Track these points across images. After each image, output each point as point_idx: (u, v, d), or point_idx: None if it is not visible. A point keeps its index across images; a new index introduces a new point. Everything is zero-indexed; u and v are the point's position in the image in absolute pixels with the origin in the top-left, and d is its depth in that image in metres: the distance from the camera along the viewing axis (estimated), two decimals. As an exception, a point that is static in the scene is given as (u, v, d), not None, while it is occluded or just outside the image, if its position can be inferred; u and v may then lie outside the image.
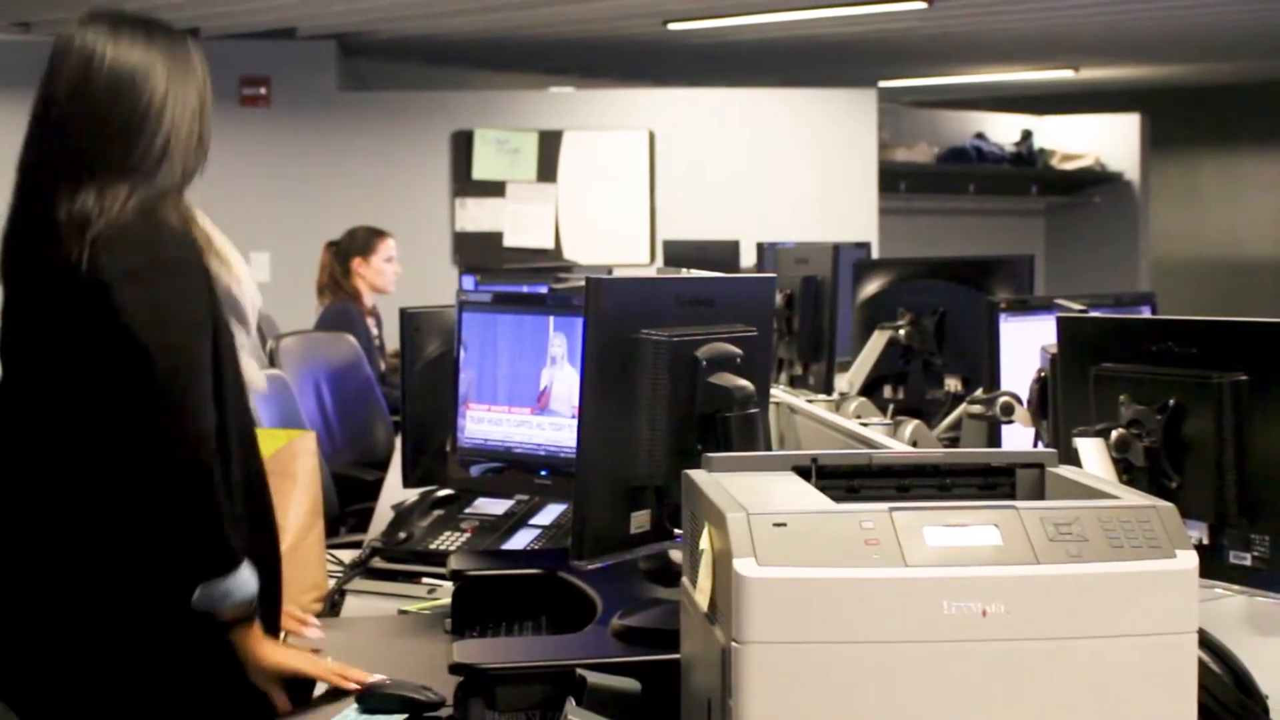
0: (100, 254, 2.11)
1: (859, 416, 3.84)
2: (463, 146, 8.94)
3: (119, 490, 2.11)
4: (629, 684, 1.75)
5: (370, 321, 6.26)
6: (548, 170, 8.95)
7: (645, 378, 1.97)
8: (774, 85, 9.64)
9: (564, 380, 2.63)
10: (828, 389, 4.25)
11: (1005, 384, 3.06)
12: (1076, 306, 3.12)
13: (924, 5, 7.74)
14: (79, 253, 2.11)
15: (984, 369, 3.21)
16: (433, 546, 2.89)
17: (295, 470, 2.72)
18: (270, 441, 2.67)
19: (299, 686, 2.32)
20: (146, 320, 2.07)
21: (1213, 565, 1.75)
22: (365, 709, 2.03)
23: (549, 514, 2.93)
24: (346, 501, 4.37)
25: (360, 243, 6.29)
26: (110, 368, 2.10)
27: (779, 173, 9.15)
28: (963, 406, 3.25)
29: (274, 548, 2.32)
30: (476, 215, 8.94)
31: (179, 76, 2.26)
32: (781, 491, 1.51)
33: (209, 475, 2.05)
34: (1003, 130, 11.20)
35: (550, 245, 8.91)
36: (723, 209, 8.85)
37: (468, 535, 2.91)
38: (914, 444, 3.41)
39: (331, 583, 2.84)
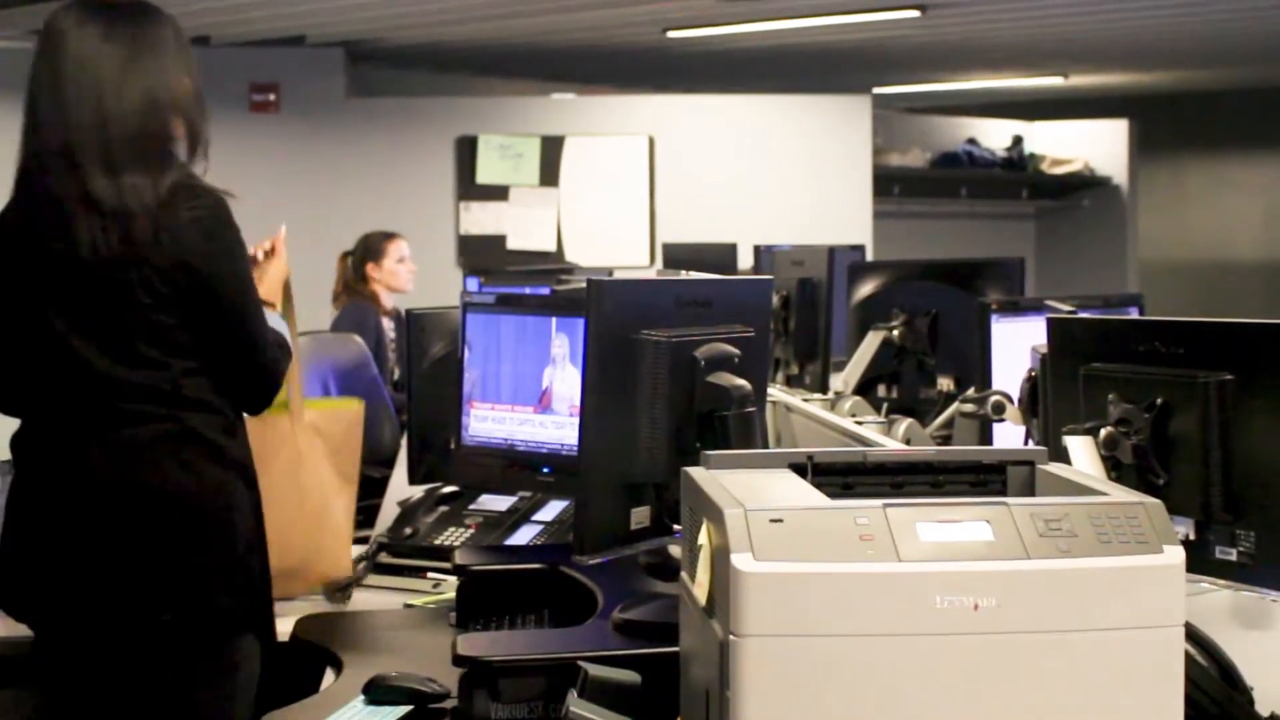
0: (165, 228, 2.32)
1: (854, 415, 3.86)
2: (467, 151, 8.95)
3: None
4: (629, 676, 1.77)
5: (389, 324, 6.27)
6: (550, 175, 8.97)
7: (645, 377, 1.99)
8: (771, 92, 9.65)
9: (566, 380, 2.66)
10: (823, 388, 4.28)
11: (996, 383, 3.08)
12: (1066, 308, 3.13)
13: (917, 14, 7.75)
14: (134, 231, 2.31)
15: (976, 369, 3.21)
16: (438, 542, 2.92)
17: (333, 433, 2.79)
18: (317, 405, 2.80)
19: (303, 679, 2.36)
20: (230, 281, 2.41)
21: (1199, 560, 1.74)
22: (372, 700, 2.06)
23: (551, 510, 2.95)
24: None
25: (372, 248, 6.31)
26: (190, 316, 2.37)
27: (776, 177, 9.16)
28: (955, 405, 3.27)
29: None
30: (480, 219, 8.95)
31: (146, 56, 2.38)
32: (778, 488, 1.52)
33: (276, 389, 2.50)
34: (994, 136, 11.21)
35: (552, 248, 8.93)
36: (721, 212, 8.86)
37: (472, 531, 2.93)
38: (907, 442, 3.43)
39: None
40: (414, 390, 3.16)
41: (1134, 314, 3.36)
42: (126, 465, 2.33)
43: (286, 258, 2.70)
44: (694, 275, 3.52)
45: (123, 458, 2.33)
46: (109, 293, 2.32)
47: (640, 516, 2.05)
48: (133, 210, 2.31)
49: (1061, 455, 1.86)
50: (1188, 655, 1.55)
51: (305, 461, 2.75)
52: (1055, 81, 11.00)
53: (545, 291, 3.71)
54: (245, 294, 2.44)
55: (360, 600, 2.81)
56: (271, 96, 8.74)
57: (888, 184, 10.01)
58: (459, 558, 2.46)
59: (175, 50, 2.42)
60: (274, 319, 2.59)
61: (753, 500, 1.43)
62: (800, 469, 1.61)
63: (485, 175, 8.95)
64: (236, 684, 2.39)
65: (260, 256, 2.67)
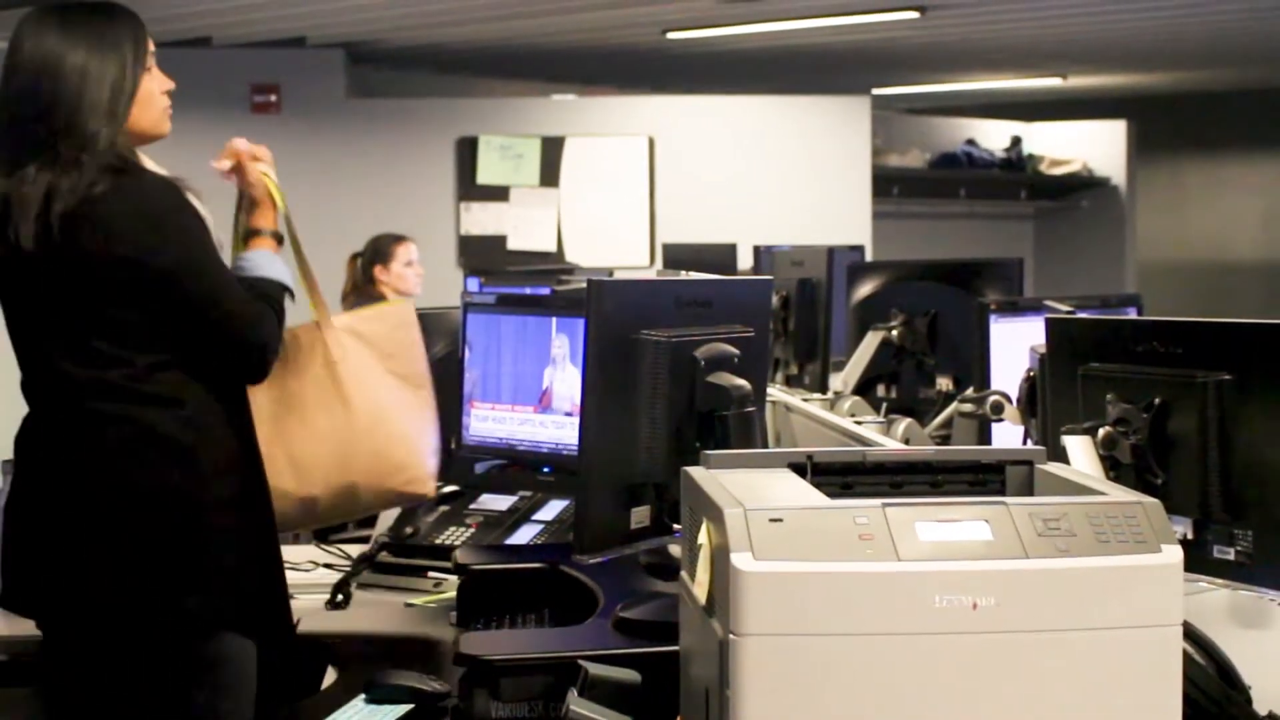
0: (102, 224, 2.27)
1: (853, 415, 3.87)
2: (467, 152, 8.96)
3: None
4: (629, 675, 1.78)
5: None
6: (550, 175, 8.97)
7: (645, 377, 1.99)
8: (770, 93, 9.65)
9: (566, 380, 2.66)
10: (823, 388, 4.29)
11: (995, 383, 3.09)
12: (1064, 308, 3.15)
13: (917, 15, 7.75)
14: (64, 226, 2.26)
15: (975, 369, 3.23)
16: (438, 541, 2.92)
17: (375, 334, 2.65)
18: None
19: (305, 678, 2.37)
20: (186, 275, 2.32)
21: (1197, 560, 1.75)
22: (373, 699, 2.07)
23: (551, 510, 2.95)
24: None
25: (381, 250, 6.33)
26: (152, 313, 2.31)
27: (775, 178, 9.17)
28: (954, 405, 3.28)
29: (269, 531, 2.42)
30: (481, 219, 8.96)
31: (97, 52, 2.35)
32: (777, 488, 1.53)
33: (266, 364, 2.42)
34: (993, 136, 11.21)
35: (553, 248, 8.93)
36: (721, 213, 8.86)
37: (472, 530, 2.93)
38: (907, 442, 3.44)
39: (338, 576, 2.88)
40: (414, 390, 3.16)
41: (1132, 314, 3.37)
42: (94, 466, 2.31)
43: (261, 170, 2.61)
44: (694, 275, 3.54)
45: (89, 458, 2.31)
46: (61, 290, 2.31)
47: (640, 516, 2.05)
48: (73, 205, 2.28)
49: (1060, 455, 1.87)
50: (1186, 654, 1.56)
51: (343, 367, 2.59)
52: (1054, 82, 11.01)
53: (545, 291, 3.72)
54: (206, 279, 2.35)
55: (361, 600, 2.81)
56: (272, 97, 8.74)
57: (887, 184, 10.01)
58: (460, 557, 2.47)
59: (131, 46, 2.38)
60: (268, 261, 2.51)
61: (752, 500, 1.43)
62: (800, 469, 1.61)
63: (486, 176, 8.96)
64: (220, 684, 2.36)
65: (229, 176, 2.57)
